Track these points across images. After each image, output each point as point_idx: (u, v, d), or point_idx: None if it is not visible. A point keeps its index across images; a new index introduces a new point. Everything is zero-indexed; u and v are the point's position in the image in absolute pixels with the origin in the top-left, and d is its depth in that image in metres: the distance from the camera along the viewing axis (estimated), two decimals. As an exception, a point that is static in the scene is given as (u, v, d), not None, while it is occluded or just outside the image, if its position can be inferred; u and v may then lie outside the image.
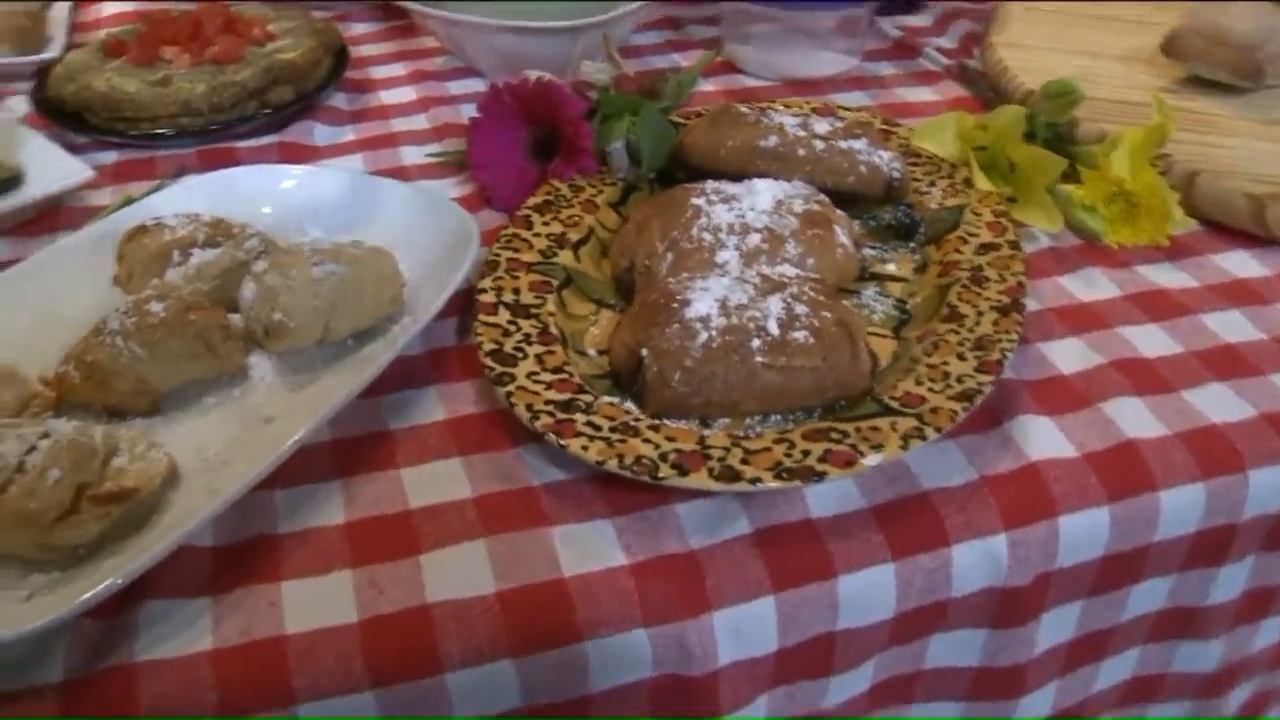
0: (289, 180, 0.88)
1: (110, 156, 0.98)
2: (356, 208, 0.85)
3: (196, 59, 0.99)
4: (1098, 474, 0.66)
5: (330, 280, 0.71)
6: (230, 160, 0.96)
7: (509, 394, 0.65)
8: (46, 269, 0.78)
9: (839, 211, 0.78)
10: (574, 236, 0.80)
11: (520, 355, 0.68)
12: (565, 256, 0.78)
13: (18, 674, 0.55)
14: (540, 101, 0.87)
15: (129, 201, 0.89)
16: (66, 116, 0.98)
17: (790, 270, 0.71)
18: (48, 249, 0.80)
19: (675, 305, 0.67)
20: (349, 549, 0.61)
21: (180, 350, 0.68)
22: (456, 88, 1.09)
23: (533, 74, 0.88)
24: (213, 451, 0.66)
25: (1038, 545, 0.64)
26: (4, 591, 0.58)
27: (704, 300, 0.66)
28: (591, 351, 0.72)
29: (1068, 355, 0.74)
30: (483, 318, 0.71)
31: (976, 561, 0.63)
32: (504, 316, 0.71)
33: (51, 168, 0.92)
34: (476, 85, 1.08)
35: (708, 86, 1.07)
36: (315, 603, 0.58)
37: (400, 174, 0.94)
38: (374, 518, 0.63)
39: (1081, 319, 0.78)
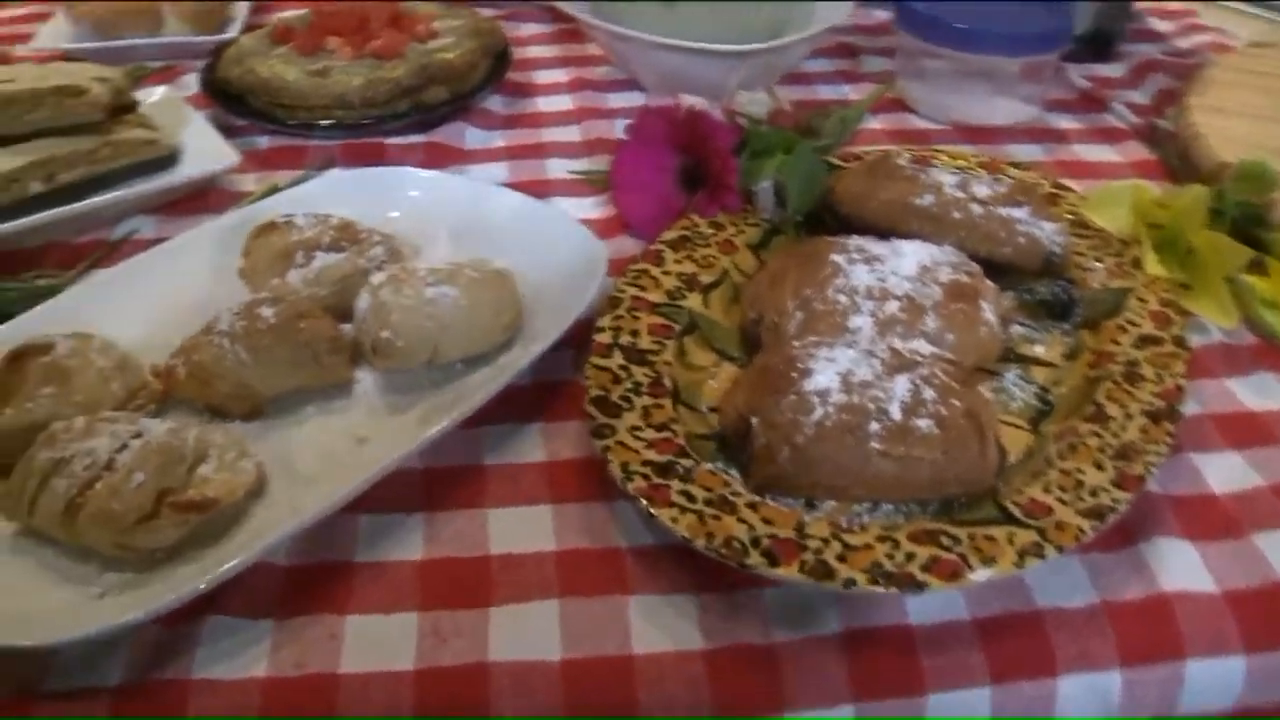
0: (417, 188, 0.87)
1: (264, 142, 0.99)
2: (486, 220, 0.83)
3: (358, 52, 0.99)
4: (1238, 617, 0.58)
5: (443, 302, 0.69)
6: (378, 156, 0.96)
7: (606, 448, 0.61)
8: (180, 255, 0.79)
9: (988, 284, 0.71)
10: (706, 278, 0.76)
11: (626, 406, 0.64)
12: (693, 300, 0.74)
13: (77, 672, 0.55)
14: (689, 130, 0.83)
15: (273, 191, 0.89)
16: (230, 99, 1.00)
17: (925, 347, 0.66)
18: (183, 235, 0.81)
19: (794, 374, 0.62)
20: (419, 589, 0.59)
21: (286, 358, 0.67)
22: (616, 100, 1.06)
23: (687, 99, 0.85)
24: (303, 466, 0.65)
25: (1156, 688, 0.57)
26: (79, 586, 0.58)
27: (826, 372, 0.62)
28: (704, 408, 0.68)
29: (1224, 472, 0.66)
30: (595, 359, 0.67)
31: (1084, 696, 0.57)
32: (617, 360, 0.68)
33: (206, 149, 0.93)
34: (636, 100, 1.05)
35: (874, 124, 1.01)
36: (376, 642, 0.56)
37: (543, 188, 0.92)
38: (451, 559, 0.61)
39: (1246, 431, 0.69)
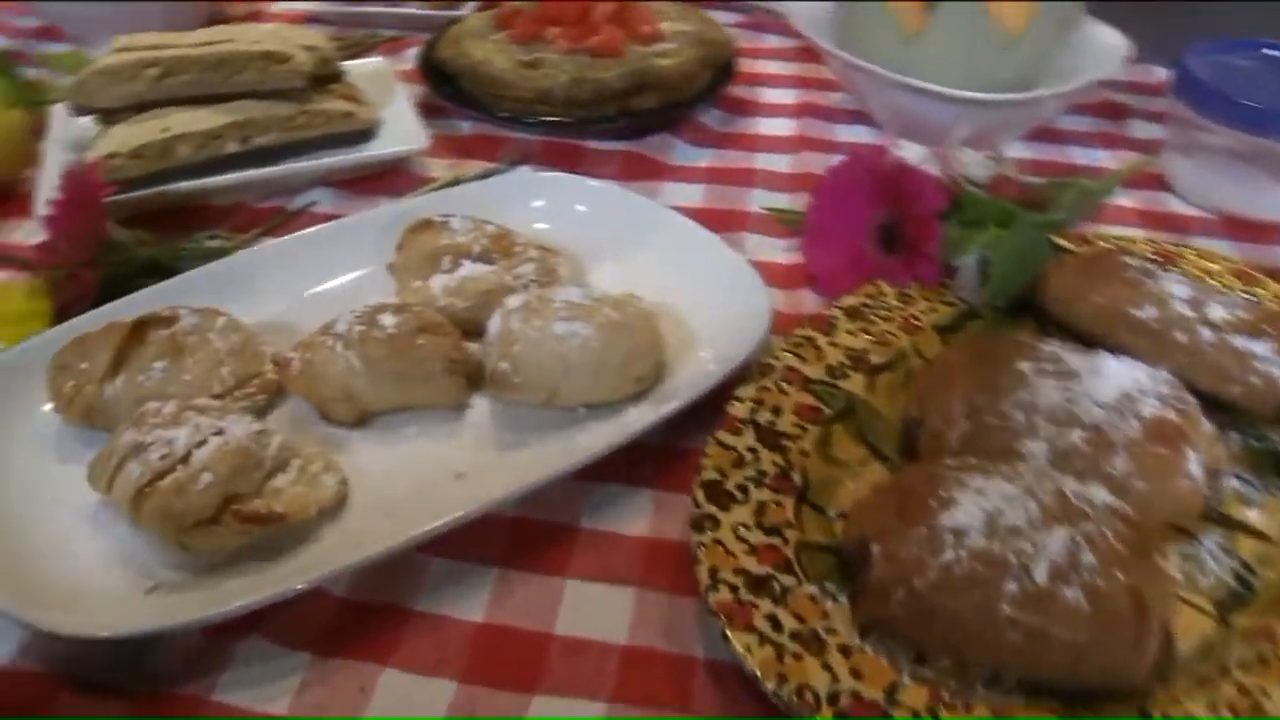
0: (585, 201, 0.82)
1: (466, 128, 0.96)
2: (651, 246, 0.77)
3: (574, 46, 0.94)
4: None
5: (572, 342, 0.63)
6: (575, 160, 0.92)
7: (700, 544, 0.54)
8: (341, 238, 0.77)
9: (1204, 425, 0.59)
10: (878, 358, 0.67)
11: (739, 498, 0.57)
12: (856, 381, 0.65)
13: (105, 667, 0.53)
14: (894, 183, 0.74)
15: (455, 182, 0.86)
16: (443, 79, 0.97)
17: (1101, 495, 0.55)
18: (352, 218, 0.80)
19: (933, 502, 0.53)
20: (468, 657, 0.54)
21: (397, 373, 0.63)
22: (842, 133, 0.97)
23: (904, 148, 0.76)
24: (390, 489, 0.60)
25: None
26: (137, 574, 0.56)
27: (971, 506, 0.52)
28: (834, 511, 0.59)
29: None
30: (722, 434, 0.60)
31: None
32: (747, 439, 0.60)
33: (402, 128, 0.91)
34: (864, 136, 0.96)
35: (1123, 201, 0.88)
36: (403, 706, 0.51)
37: (735, 220, 0.84)
38: (511, 629, 0.55)
39: None
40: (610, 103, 0.91)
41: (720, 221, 0.84)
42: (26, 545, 0.57)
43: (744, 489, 0.57)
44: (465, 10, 1.10)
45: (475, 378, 0.66)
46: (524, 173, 0.87)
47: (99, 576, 0.55)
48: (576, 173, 0.89)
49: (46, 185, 0.81)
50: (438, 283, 0.70)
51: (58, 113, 0.91)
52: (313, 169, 0.86)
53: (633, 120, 0.93)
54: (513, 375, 0.63)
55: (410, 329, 0.64)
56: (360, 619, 0.55)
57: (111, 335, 0.63)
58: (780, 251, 0.82)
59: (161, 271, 0.75)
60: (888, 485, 0.57)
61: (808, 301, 0.77)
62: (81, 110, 0.87)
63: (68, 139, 0.88)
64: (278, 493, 0.57)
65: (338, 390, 0.63)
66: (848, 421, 0.64)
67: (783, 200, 0.86)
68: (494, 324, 0.66)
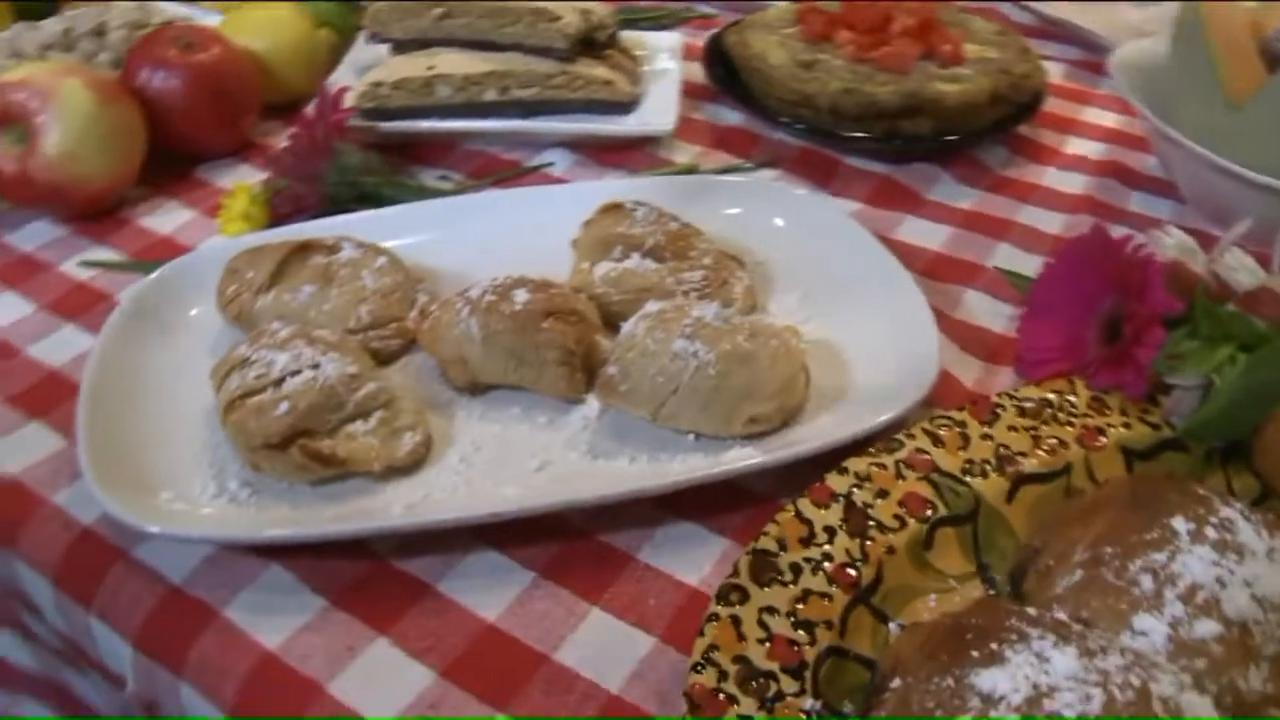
0: (784, 214, 0.76)
1: (732, 118, 0.93)
2: (838, 271, 0.71)
3: (861, 54, 0.87)
4: None
5: (687, 363, 0.59)
6: (827, 173, 0.86)
7: (713, 616, 0.49)
8: (549, 203, 0.77)
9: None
10: (1033, 465, 0.58)
11: (786, 577, 0.51)
12: (994, 485, 0.57)
13: (150, 558, 0.56)
14: (1125, 274, 0.63)
15: (688, 171, 0.84)
16: (723, 64, 0.94)
17: (1205, 707, 0.44)
18: (569, 187, 0.81)
19: (977, 652, 0.44)
20: (459, 652, 0.52)
21: (511, 351, 0.62)
22: (1136, 203, 0.84)
23: (1157, 240, 0.65)
24: (468, 467, 0.60)
25: None
26: (215, 478, 0.59)
27: (1020, 672, 0.43)
28: (895, 623, 0.52)
29: None
30: (803, 503, 0.54)
31: None
32: (831, 514, 0.54)
33: (659, 106, 0.89)
34: (1163, 210, 0.83)
35: None
36: (375, 680, 0.51)
37: (967, 272, 0.76)
38: (514, 641, 0.53)
39: None
40: (878, 121, 0.84)
41: (951, 270, 0.76)
42: (146, 422, 0.61)
43: (796, 570, 0.51)
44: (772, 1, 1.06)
45: (595, 374, 0.63)
46: (760, 176, 0.83)
47: (181, 469, 0.59)
48: (826, 187, 0.84)
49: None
50: (602, 269, 0.68)
51: (362, 39, 0.96)
52: (556, 130, 0.87)
53: (901, 144, 0.85)
54: (619, 383, 0.60)
55: (537, 310, 0.62)
56: (384, 580, 0.55)
57: (278, 251, 0.66)
58: (1001, 318, 0.72)
59: (376, 200, 0.79)
60: (946, 618, 0.49)
61: (1003, 380, 0.67)
62: (376, 38, 0.92)
63: (360, 62, 0.94)
64: (350, 438, 0.58)
65: (454, 353, 0.63)
66: (963, 528, 0.56)
67: (1031, 264, 0.76)
68: (627, 326, 0.63)
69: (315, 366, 0.58)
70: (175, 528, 0.54)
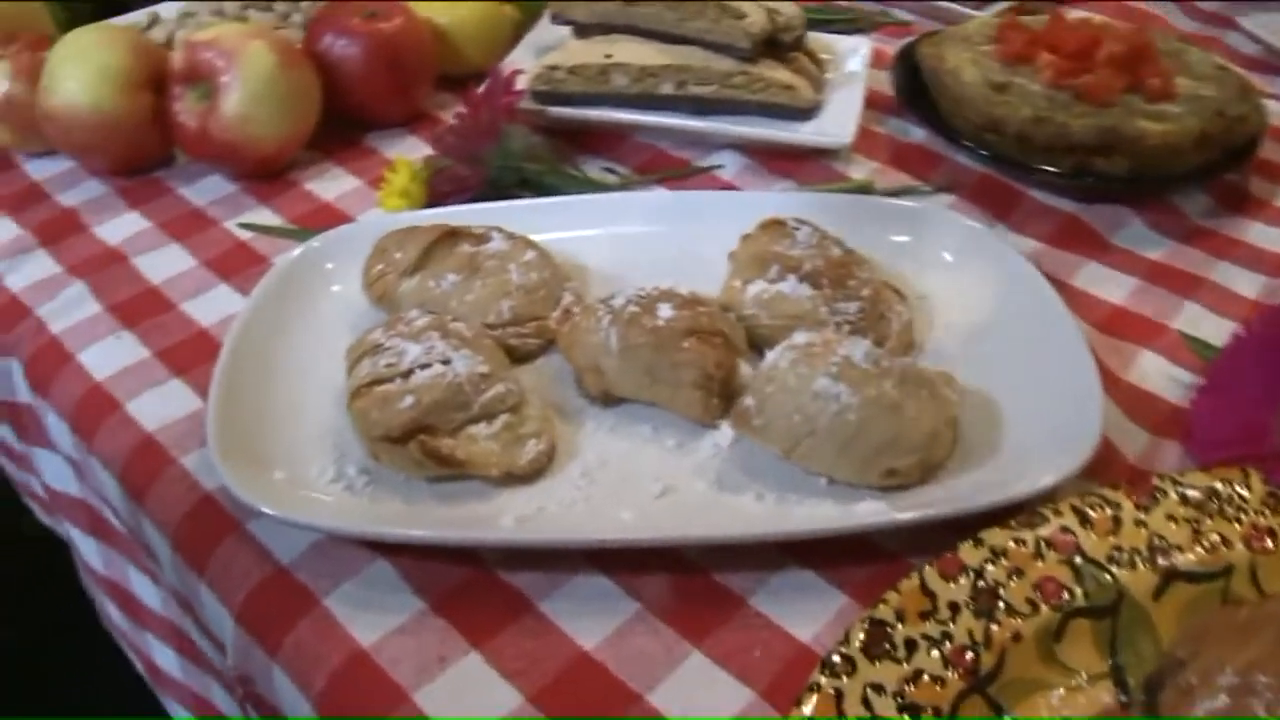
0: (952, 247, 0.72)
1: (917, 135, 0.88)
2: (1006, 325, 0.67)
3: (1061, 80, 0.81)
4: None
5: (827, 404, 0.56)
6: (1007, 205, 0.81)
7: (815, 685, 0.46)
8: (711, 211, 0.75)
9: None
10: (1190, 563, 0.52)
11: (896, 655, 0.47)
12: (1141, 578, 0.52)
13: (259, 536, 0.57)
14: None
15: (860, 189, 0.80)
16: (915, 76, 0.89)
17: None
18: (734, 195, 0.79)
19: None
20: (550, 678, 0.50)
21: (647, 367, 0.60)
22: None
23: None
24: (589, 483, 0.58)
25: None
26: (328, 464, 0.58)
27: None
28: (1011, 714, 0.48)
29: None
30: (930, 573, 0.50)
31: None
32: (956, 592, 0.50)
33: (839, 116, 0.85)
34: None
35: None
36: (458, 697, 0.50)
37: (1146, 330, 0.70)
38: (608, 674, 0.51)
39: None
40: (1069, 154, 0.79)
41: (1129, 327, 0.70)
42: (277, 396, 0.62)
43: (912, 646, 0.48)
44: (990, 10, 1.00)
45: (732, 400, 0.61)
46: (935, 201, 0.79)
47: (304, 448, 0.59)
48: (1004, 220, 0.79)
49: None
50: (754, 289, 0.65)
51: (545, 18, 0.95)
52: (728, 133, 0.84)
53: (1092, 182, 0.79)
54: (755, 415, 0.57)
55: (680, 328, 0.60)
56: (487, 590, 0.54)
57: (427, 235, 0.66)
58: (1178, 386, 0.66)
59: (538, 188, 0.78)
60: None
61: (1169, 457, 0.62)
62: (559, 19, 0.91)
63: (540, 43, 0.93)
64: (472, 439, 0.57)
65: (590, 361, 0.61)
66: (1101, 622, 0.51)
67: (1220, 329, 0.70)
68: (771, 355, 0.60)
69: (446, 362, 0.57)
70: (286, 511, 0.53)
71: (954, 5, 1.03)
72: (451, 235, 0.66)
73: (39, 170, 0.86)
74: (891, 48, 0.95)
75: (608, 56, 0.85)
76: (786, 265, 0.66)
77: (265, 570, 0.55)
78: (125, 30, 0.84)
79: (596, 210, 0.75)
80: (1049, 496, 0.55)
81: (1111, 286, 0.74)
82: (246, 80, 0.78)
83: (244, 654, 0.54)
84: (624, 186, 0.81)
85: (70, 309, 0.72)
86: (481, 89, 0.79)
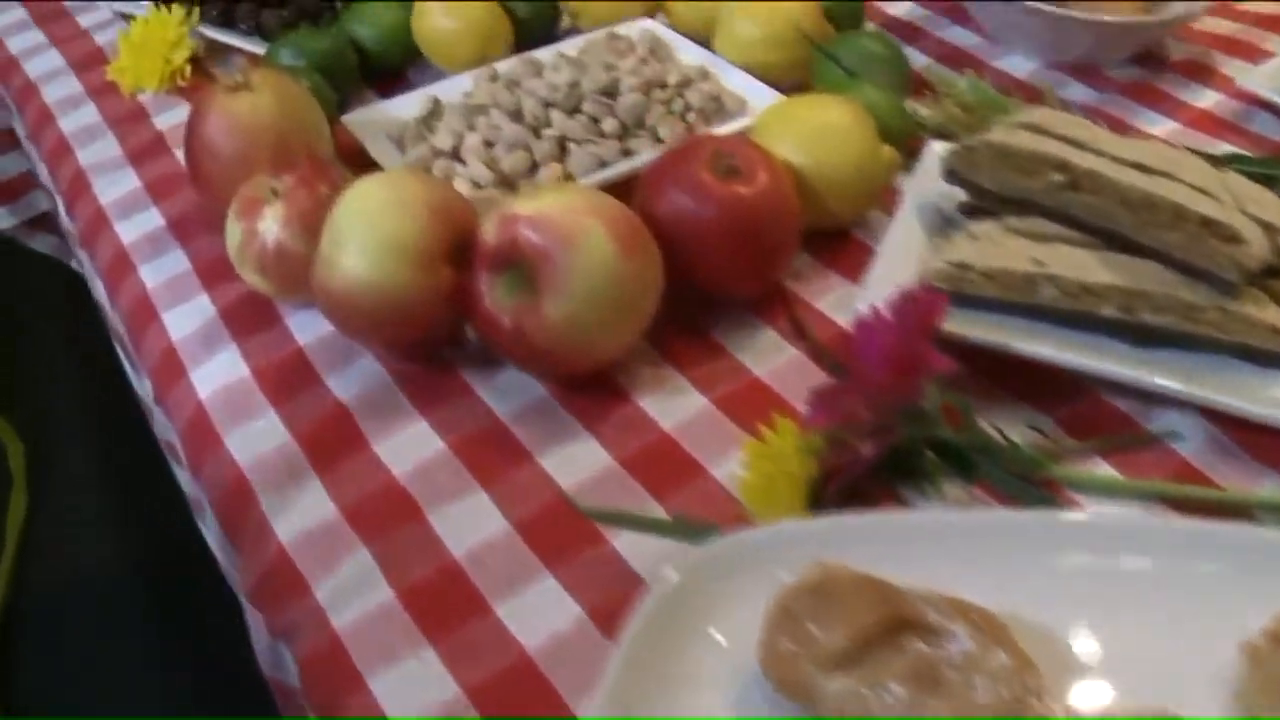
0: None
1: None
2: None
3: None
4: None
5: None
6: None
7: None
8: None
9: None
10: None
11: None
12: None
13: None
14: None
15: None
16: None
17: None
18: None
19: None
20: None
21: None
22: None
23: None
24: None
25: None
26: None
27: None
28: None
29: None
30: None
31: None
32: None
33: None
34: None
35: None
36: None
37: None
38: None
39: None
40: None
41: None
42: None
43: None
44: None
45: None
46: None
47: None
48: None
49: (888, 255, 0.67)
50: None
51: (922, 168, 0.74)
52: (1183, 391, 0.62)
53: None
54: None
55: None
56: None
57: (857, 615, 0.47)
58: None
59: (963, 468, 0.59)
60: None
61: None
62: (955, 178, 0.70)
63: (921, 201, 0.72)
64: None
65: None
66: None
67: None
68: None
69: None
70: None
71: None
72: (896, 626, 0.48)
73: (302, 328, 0.71)
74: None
75: (1037, 264, 0.64)
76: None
77: None
78: (424, 182, 0.65)
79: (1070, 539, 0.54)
80: None
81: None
82: (579, 275, 0.60)
83: None
84: (1056, 456, 0.60)
85: (359, 586, 0.56)
86: (878, 310, 0.59)
